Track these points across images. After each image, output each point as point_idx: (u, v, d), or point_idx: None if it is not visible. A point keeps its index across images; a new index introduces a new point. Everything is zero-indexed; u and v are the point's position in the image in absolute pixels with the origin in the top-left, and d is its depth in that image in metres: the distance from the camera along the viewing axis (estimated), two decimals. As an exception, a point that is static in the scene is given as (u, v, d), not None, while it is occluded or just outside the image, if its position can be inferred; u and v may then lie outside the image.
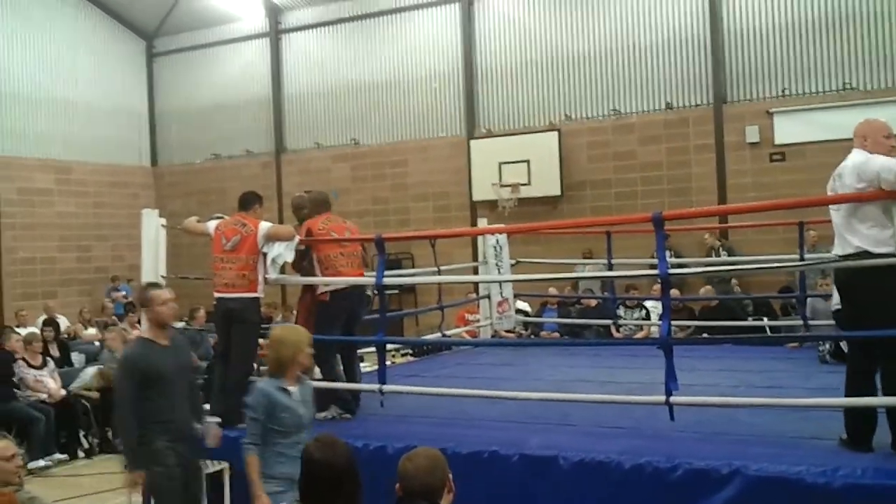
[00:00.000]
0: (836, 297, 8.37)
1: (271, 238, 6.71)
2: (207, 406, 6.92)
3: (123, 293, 16.71)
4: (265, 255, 6.68)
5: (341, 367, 6.99)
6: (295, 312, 7.71)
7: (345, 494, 3.27)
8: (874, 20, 13.86)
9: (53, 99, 18.75)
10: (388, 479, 3.37)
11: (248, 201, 6.89)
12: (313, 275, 6.98)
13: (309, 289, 7.11)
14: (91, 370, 10.77)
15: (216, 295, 6.71)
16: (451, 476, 3.28)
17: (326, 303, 6.87)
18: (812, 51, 14.32)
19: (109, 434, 10.35)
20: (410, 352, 11.35)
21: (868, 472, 4.42)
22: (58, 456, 9.70)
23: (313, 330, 7.06)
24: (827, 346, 8.32)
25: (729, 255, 13.60)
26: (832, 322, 8.48)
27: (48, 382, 10.21)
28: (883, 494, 4.29)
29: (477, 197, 16.57)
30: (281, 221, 13.96)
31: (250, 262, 6.62)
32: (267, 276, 6.73)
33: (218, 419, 6.53)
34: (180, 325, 12.03)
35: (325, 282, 6.90)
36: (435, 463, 3.25)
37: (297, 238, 6.81)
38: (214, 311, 6.90)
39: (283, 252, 6.72)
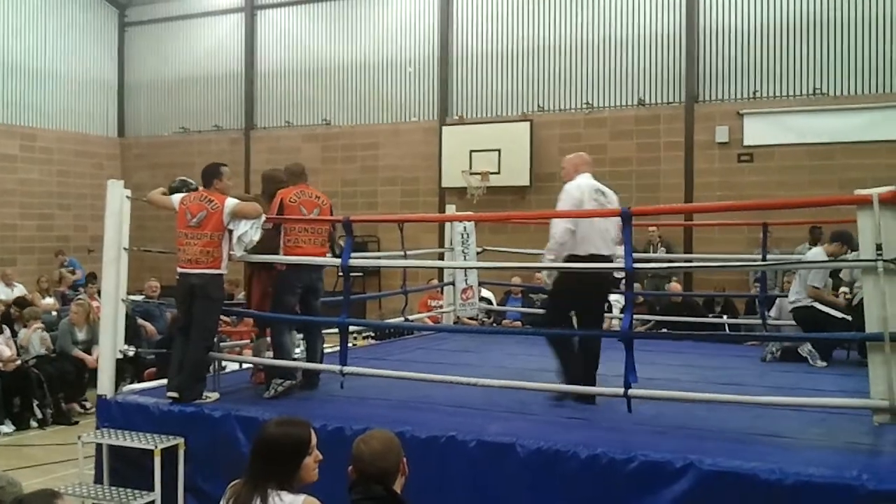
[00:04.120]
0: (792, 295, 8.55)
1: (237, 216, 6.61)
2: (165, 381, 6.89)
3: (71, 267, 16.35)
4: (230, 231, 6.62)
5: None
6: (244, 290, 7.60)
7: (294, 468, 3.26)
8: (846, 27, 14.03)
9: (21, 65, 18.40)
10: (344, 460, 3.36)
11: (209, 175, 6.76)
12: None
13: (265, 266, 7.05)
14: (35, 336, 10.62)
15: (179, 270, 6.63)
16: (405, 459, 3.28)
17: (283, 272, 6.93)
18: (784, 55, 14.46)
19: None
20: (372, 334, 11.34)
21: (820, 470, 4.48)
22: (4, 428, 9.59)
23: (268, 307, 7.06)
24: (775, 347, 8.44)
25: (667, 251, 13.74)
26: (793, 323, 8.63)
27: (2, 349, 10.04)
28: (834, 491, 4.35)
29: (446, 183, 16.56)
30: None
31: (215, 239, 6.53)
32: (232, 252, 6.67)
33: (176, 394, 6.50)
34: (138, 298, 11.93)
35: (287, 261, 6.87)
36: (389, 446, 3.25)
37: (264, 217, 6.75)
38: (177, 286, 6.81)
39: (249, 231, 6.64)
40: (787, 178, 14.04)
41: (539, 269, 13.40)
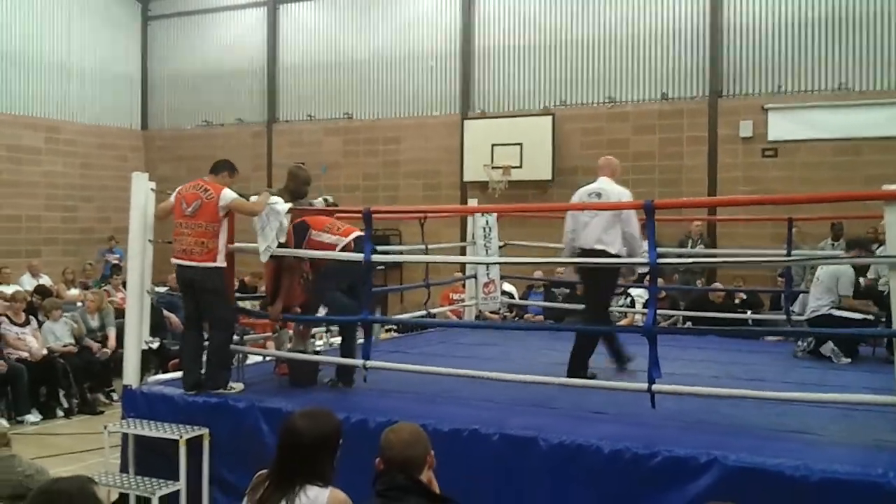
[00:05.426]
0: (813, 302, 8.46)
1: (236, 211, 6.50)
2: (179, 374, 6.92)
3: (118, 255, 16.61)
4: (227, 222, 6.47)
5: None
6: (264, 287, 7.54)
7: (320, 461, 3.27)
8: (872, 21, 13.87)
9: (46, 58, 18.55)
10: (368, 452, 3.37)
11: (218, 167, 6.66)
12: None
13: (298, 263, 7.01)
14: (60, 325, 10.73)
15: (173, 261, 6.52)
16: (432, 452, 3.29)
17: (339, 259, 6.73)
18: (809, 49, 14.33)
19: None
20: (395, 327, 11.36)
21: (845, 467, 4.45)
22: (30, 417, 9.70)
23: (299, 298, 7.07)
24: (804, 343, 8.36)
25: (704, 248, 13.60)
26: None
27: (30, 340, 10.16)
28: (859, 488, 4.32)
29: (468, 177, 16.55)
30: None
31: (210, 230, 6.35)
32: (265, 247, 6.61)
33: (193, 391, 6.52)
34: (163, 289, 12.02)
35: (311, 255, 6.81)
36: (417, 437, 3.27)
37: (285, 221, 6.59)
38: (176, 277, 6.68)
39: (274, 239, 6.58)
40: (812, 173, 13.93)
41: (563, 264, 13.45)
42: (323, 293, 6.96)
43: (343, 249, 6.73)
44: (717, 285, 12.17)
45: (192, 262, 6.38)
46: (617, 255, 6.85)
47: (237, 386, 6.66)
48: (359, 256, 6.49)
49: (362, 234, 6.75)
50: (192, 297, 6.58)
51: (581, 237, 7.02)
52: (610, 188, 7.17)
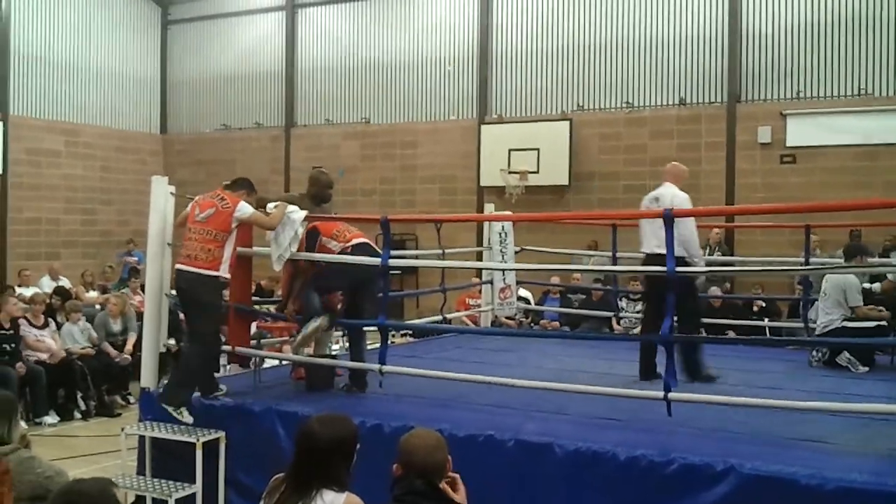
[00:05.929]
0: (823, 317, 8.38)
1: (251, 223, 6.49)
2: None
3: (136, 259, 16.73)
4: (236, 232, 6.39)
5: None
6: (280, 291, 7.55)
7: (336, 465, 3.29)
8: (892, 26, 13.80)
9: (66, 62, 18.72)
10: (383, 457, 3.38)
11: (237, 185, 6.62)
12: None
13: (311, 267, 7.02)
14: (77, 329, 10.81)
15: (176, 266, 6.43)
16: (450, 459, 3.30)
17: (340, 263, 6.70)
18: (828, 54, 14.27)
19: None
20: (410, 332, 11.38)
21: (862, 476, 4.42)
22: (48, 419, 9.77)
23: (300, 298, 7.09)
24: (819, 353, 8.29)
25: (723, 255, 13.54)
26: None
27: (48, 343, 10.23)
28: (875, 497, 4.29)
29: (485, 182, 16.56)
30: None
31: (218, 238, 6.25)
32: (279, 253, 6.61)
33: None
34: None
35: (328, 259, 6.82)
36: (437, 443, 3.28)
37: (300, 229, 6.60)
38: (175, 283, 6.53)
39: (287, 247, 6.59)
40: (831, 179, 13.86)
41: (580, 271, 13.42)
42: (305, 290, 6.89)
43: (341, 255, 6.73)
44: (715, 290, 12.08)
45: (194, 267, 6.26)
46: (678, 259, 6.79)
47: (186, 418, 6.22)
48: (375, 261, 6.51)
49: (364, 241, 6.78)
50: (186, 306, 6.50)
51: (643, 243, 7.18)
52: (666, 192, 7.21)
